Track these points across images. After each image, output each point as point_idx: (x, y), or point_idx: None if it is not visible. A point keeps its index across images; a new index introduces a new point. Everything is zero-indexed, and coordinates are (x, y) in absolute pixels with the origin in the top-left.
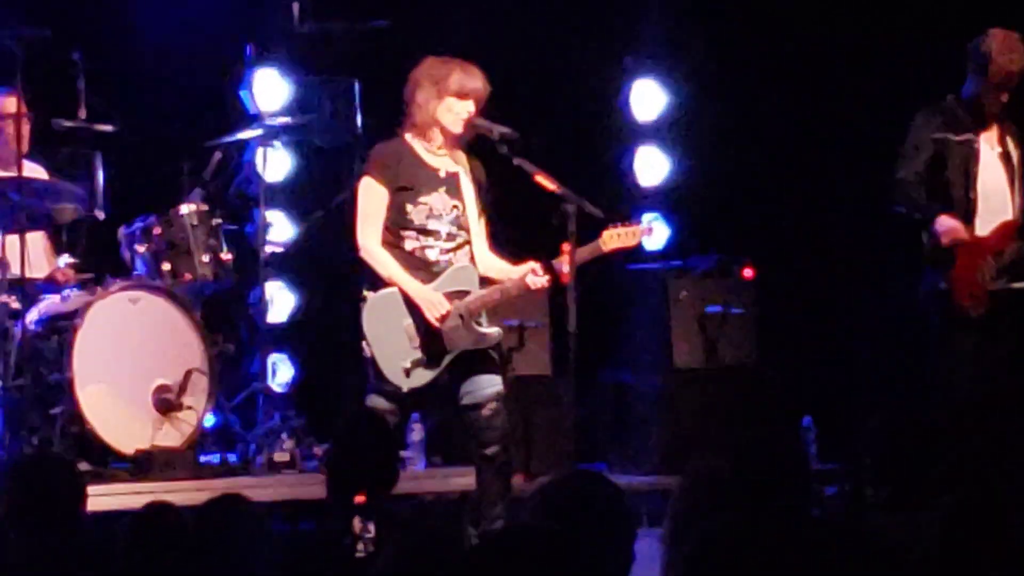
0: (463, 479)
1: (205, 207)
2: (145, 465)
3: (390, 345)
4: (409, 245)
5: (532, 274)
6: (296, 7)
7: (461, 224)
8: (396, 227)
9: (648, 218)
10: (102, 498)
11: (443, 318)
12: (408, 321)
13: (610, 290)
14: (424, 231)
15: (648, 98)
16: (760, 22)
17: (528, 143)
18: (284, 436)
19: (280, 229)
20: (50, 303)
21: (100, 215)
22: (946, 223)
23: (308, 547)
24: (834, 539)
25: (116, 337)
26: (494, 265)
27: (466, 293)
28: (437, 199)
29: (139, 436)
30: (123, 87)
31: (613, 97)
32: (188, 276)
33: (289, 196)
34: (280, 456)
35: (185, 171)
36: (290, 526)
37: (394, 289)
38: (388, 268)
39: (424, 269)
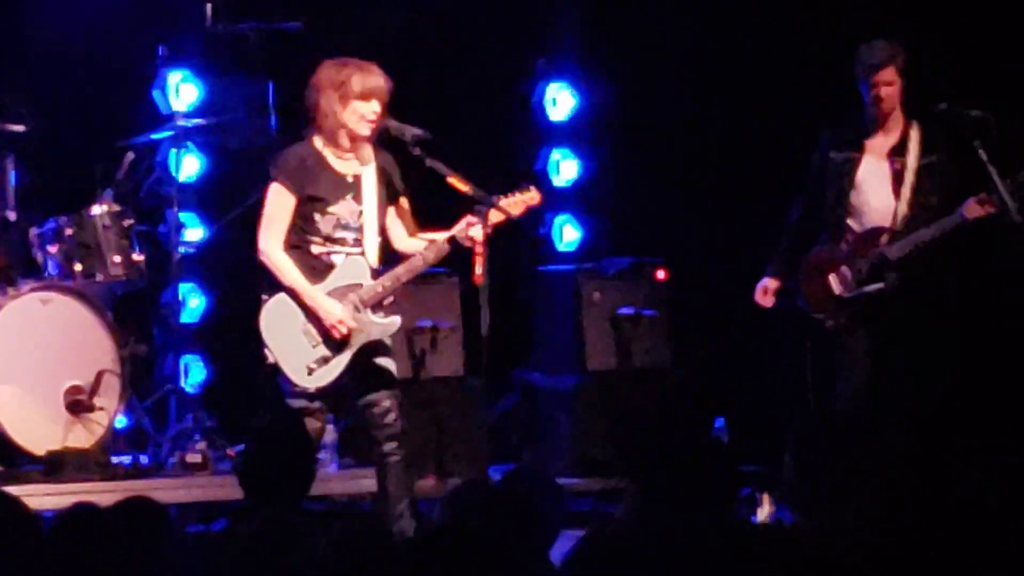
0: (375, 480)
1: (117, 208)
2: (56, 466)
3: (291, 347)
4: (316, 250)
5: (467, 227)
6: (209, 8)
7: (372, 229)
8: (304, 233)
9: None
10: None
11: (342, 333)
12: (306, 322)
13: (523, 291)
14: (331, 239)
15: (560, 100)
16: (671, 24)
17: (441, 145)
18: (196, 437)
19: (192, 230)
20: None
21: (11, 216)
22: (759, 288)
23: (221, 548)
24: (759, 543)
25: (27, 338)
26: (418, 243)
27: (358, 286)
28: (344, 208)
29: (50, 437)
30: (34, 87)
31: (526, 99)
32: (100, 277)
33: (201, 197)
34: (192, 457)
35: (97, 172)
36: (203, 527)
37: (283, 295)
38: (289, 275)
39: (328, 272)
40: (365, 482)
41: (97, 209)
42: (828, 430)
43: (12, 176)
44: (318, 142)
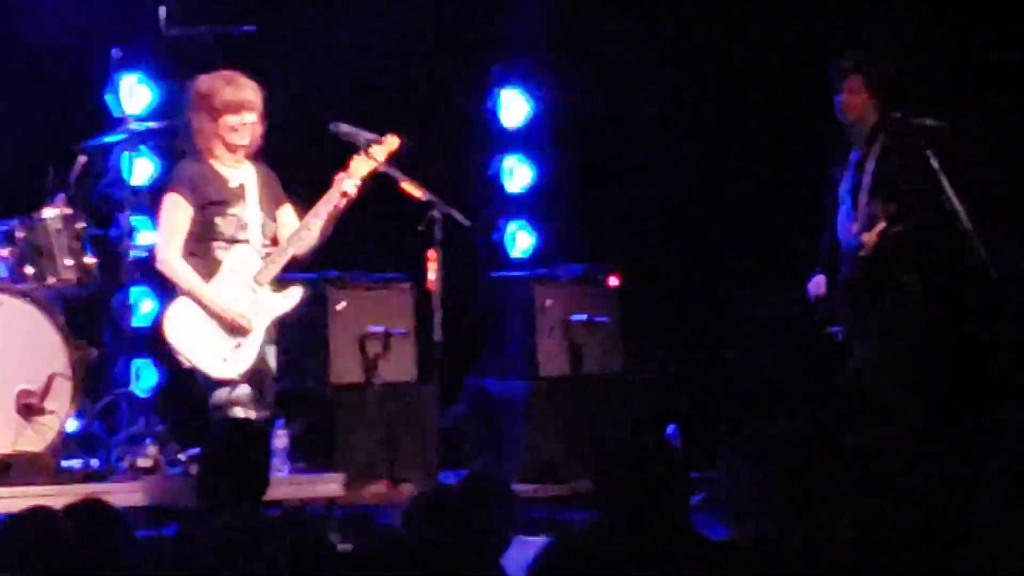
0: (328, 485)
1: (69, 211)
2: (7, 470)
3: (202, 343)
4: (219, 255)
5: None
6: (163, 11)
7: (265, 232)
8: (206, 239)
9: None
10: None
11: (244, 325)
12: (210, 318)
13: (476, 297)
14: (234, 240)
15: (514, 106)
16: (628, 31)
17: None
18: (148, 441)
19: (145, 233)
20: None
21: None
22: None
23: (175, 553)
24: (715, 553)
25: None
26: None
27: (249, 270)
28: (241, 209)
29: (1, 441)
30: None
31: (480, 104)
32: (51, 280)
33: (154, 201)
34: (144, 461)
35: (49, 175)
36: (155, 531)
37: (184, 298)
38: (188, 282)
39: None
40: (319, 487)
41: (49, 212)
42: (758, 446)
43: None
44: (203, 153)
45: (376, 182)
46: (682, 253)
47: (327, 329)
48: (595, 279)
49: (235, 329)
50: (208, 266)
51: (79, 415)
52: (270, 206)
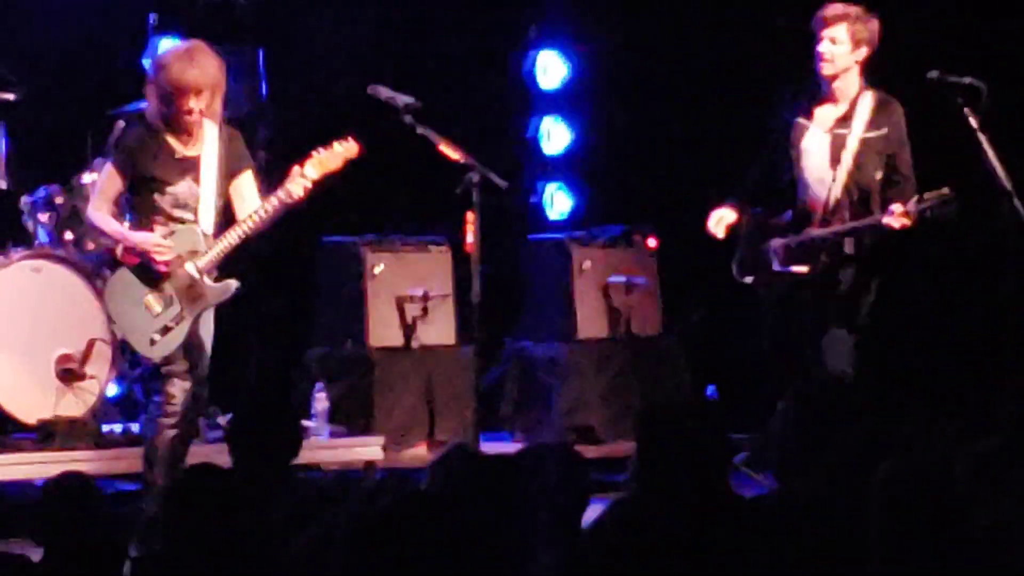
0: (368, 449)
1: None
2: (48, 435)
3: (134, 319)
4: (159, 230)
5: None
6: None
7: (217, 207)
8: (147, 214)
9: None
10: (3, 467)
11: (168, 262)
12: (147, 293)
13: (515, 259)
14: (172, 218)
15: (551, 67)
16: None
17: (432, 112)
18: None
19: None
20: None
21: (2, 184)
22: (714, 214)
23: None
24: (755, 516)
25: (18, 306)
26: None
27: (195, 253)
28: (184, 187)
29: (41, 406)
30: (25, 56)
31: (517, 66)
32: (91, 245)
33: None
34: None
35: (88, 140)
36: None
37: (123, 270)
38: (111, 227)
39: None
40: (357, 451)
41: (88, 177)
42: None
43: (3, 144)
44: (158, 124)
45: (414, 144)
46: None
47: (365, 292)
48: (633, 240)
49: (169, 306)
50: None
51: (119, 380)
52: (232, 172)
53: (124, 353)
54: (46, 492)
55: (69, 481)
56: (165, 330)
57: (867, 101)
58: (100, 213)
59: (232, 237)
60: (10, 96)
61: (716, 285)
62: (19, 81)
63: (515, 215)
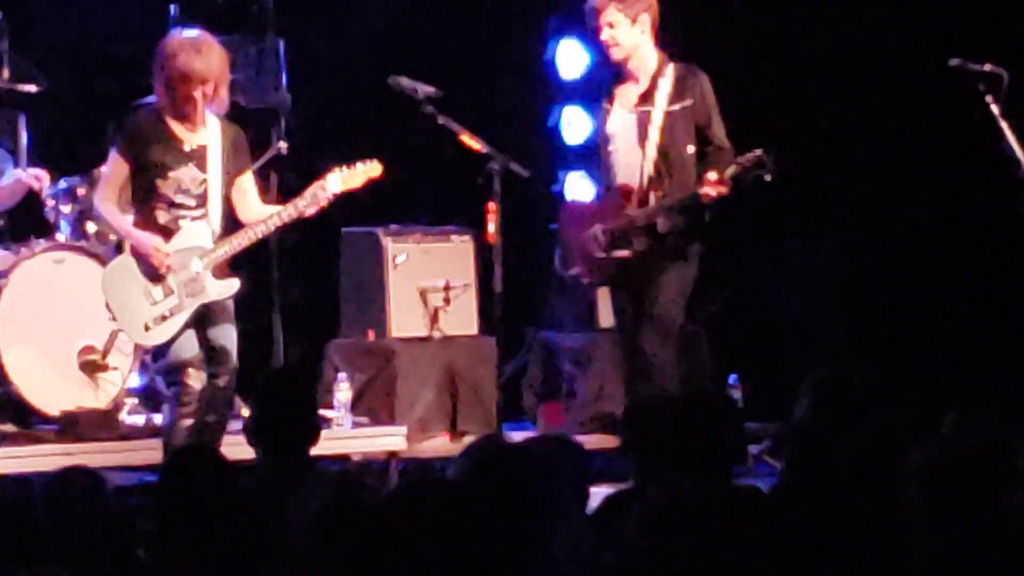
0: (390, 439)
1: None
2: (70, 426)
3: (131, 306)
4: (161, 218)
5: (320, 190)
6: None
7: (209, 195)
8: (148, 201)
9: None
10: (27, 459)
11: (167, 267)
12: (145, 282)
13: (537, 249)
14: (173, 204)
15: (573, 56)
16: None
17: (453, 102)
18: None
19: None
20: None
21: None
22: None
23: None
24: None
25: (41, 298)
26: (265, 212)
27: (199, 249)
28: (186, 173)
29: (64, 397)
30: (46, 47)
31: (538, 55)
32: (113, 236)
33: None
34: None
35: (109, 131)
36: None
37: (126, 255)
38: (117, 222)
39: (172, 237)
40: (380, 441)
41: None
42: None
43: (25, 136)
44: (164, 112)
45: (435, 134)
46: (734, 203)
47: (386, 282)
48: None
49: (168, 295)
50: (154, 228)
51: (141, 371)
52: (234, 170)
53: None
54: (49, 487)
55: (72, 476)
56: (161, 319)
57: (669, 74)
58: (107, 204)
59: (242, 239)
60: (32, 88)
61: (738, 272)
62: (40, 73)
63: (537, 204)
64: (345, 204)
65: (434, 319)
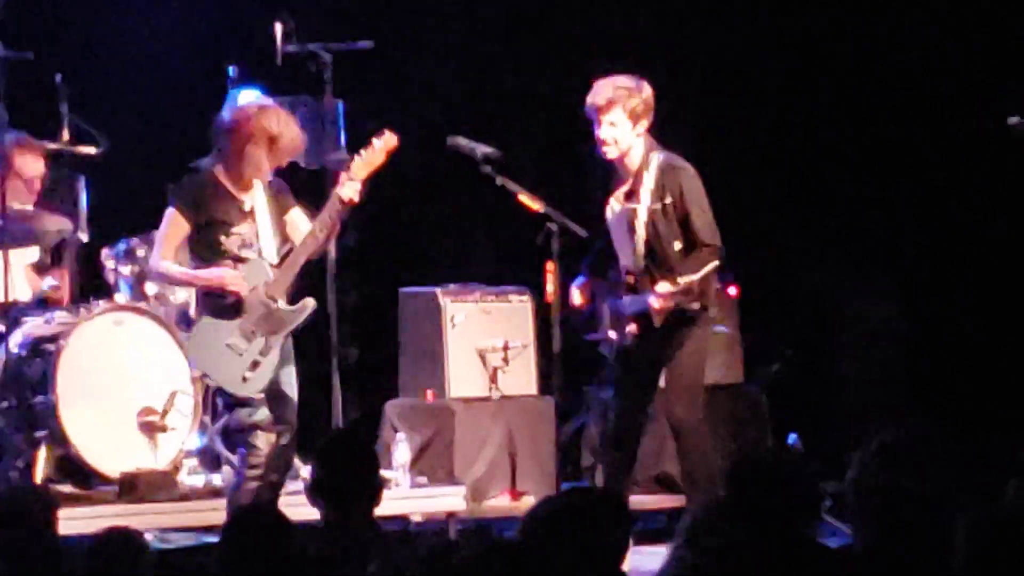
0: (449, 499)
1: None
2: (130, 488)
3: (221, 363)
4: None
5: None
6: (278, 27)
7: (278, 247)
8: (213, 258)
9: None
10: (86, 520)
11: (237, 286)
12: (229, 335)
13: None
14: (238, 259)
15: None
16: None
17: (511, 162)
18: None
19: None
20: (34, 325)
21: (84, 237)
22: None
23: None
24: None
25: (100, 359)
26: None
27: (264, 284)
28: (248, 228)
29: (124, 458)
30: (105, 109)
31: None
32: (172, 298)
33: None
34: None
35: (168, 191)
36: None
37: (199, 323)
38: (179, 272)
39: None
40: (439, 500)
41: None
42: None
43: (84, 197)
44: (219, 174)
45: (493, 195)
46: (798, 262)
47: (444, 341)
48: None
49: (251, 342)
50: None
51: (201, 432)
52: (279, 219)
53: (206, 405)
54: (91, 549)
55: (114, 538)
56: (254, 365)
57: (652, 168)
58: (166, 262)
59: (298, 257)
60: (92, 150)
61: (796, 333)
62: (100, 135)
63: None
64: (404, 263)
65: (493, 379)
